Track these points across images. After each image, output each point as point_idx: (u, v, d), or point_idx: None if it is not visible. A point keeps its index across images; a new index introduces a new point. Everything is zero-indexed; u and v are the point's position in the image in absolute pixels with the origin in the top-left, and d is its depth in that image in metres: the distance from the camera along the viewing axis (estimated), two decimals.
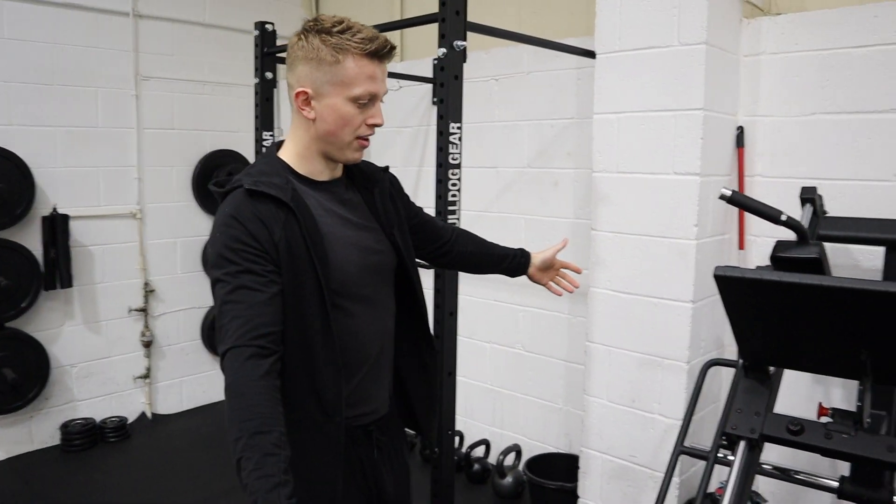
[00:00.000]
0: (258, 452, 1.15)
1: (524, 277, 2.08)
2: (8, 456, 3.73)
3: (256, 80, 2.84)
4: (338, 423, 1.43)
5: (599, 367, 2.79)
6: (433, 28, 2.21)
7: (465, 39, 2.19)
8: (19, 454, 3.77)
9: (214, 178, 4.41)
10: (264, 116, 2.89)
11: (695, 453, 2.14)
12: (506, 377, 3.65)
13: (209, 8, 4.29)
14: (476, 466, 3.55)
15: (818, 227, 2.25)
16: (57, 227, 3.69)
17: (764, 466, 2.05)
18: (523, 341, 3.54)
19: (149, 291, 4.22)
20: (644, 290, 2.63)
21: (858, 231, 2.14)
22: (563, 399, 3.40)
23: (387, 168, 1.68)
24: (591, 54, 2.70)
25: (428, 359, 1.71)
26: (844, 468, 1.98)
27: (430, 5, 2.17)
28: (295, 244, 1.36)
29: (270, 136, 2.94)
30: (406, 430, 1.78)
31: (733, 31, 2.56)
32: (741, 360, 1.90)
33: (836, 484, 1.97)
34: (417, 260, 1.74)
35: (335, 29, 1.38)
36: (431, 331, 1.74)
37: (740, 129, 2.63)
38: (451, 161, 2.24)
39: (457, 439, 3.69)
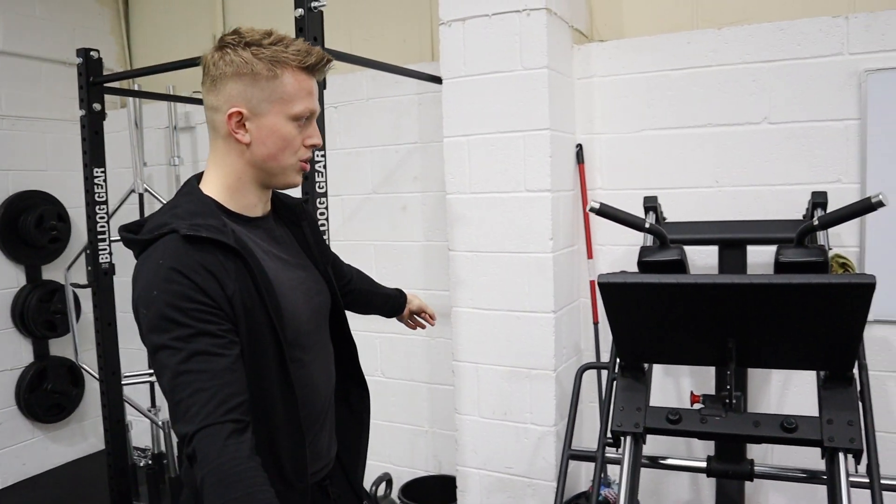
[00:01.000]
0: None
1: None
2: None
3: (83, 113, 2.58)
4: (302, 491, 1.31)
5: (469, 384, 2.83)
6: None
7: None
8: None
9: (21, 222, 4.02)
10: (94, 152, 2.63)
11: (582, 455, 2.24)
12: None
13: (1, 34, 3.84)
14: None
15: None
16: None
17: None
18: (383, 368, 3.51)
19: None
20: (506, 304, 2.72)
21: (696, 233, 2.37)
22: (429, 421, 3.41)
23: (306, 200, 1.56)
24: (437, 80, 2.77)
25: (355, 402, 1.61)
26: (700, 450, 2.17)
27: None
28: (248, 297, 1.22)
29: (102, 171, 2.68)
30: None
31: (567, 56, 2.76)
32: (619, 361, 2.03)
33: (703, 464, 2.16)
34: None
35: (266, 41, 1.25)
36: (363, 372, 1.64)
37: (579, 147, 2.82)
38: (318, 190, 2.18)
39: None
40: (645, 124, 2.74)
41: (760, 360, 1.92)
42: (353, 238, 3.49)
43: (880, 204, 1.65)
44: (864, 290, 1.56)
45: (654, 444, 2.56)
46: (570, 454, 2.21)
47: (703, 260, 2.65)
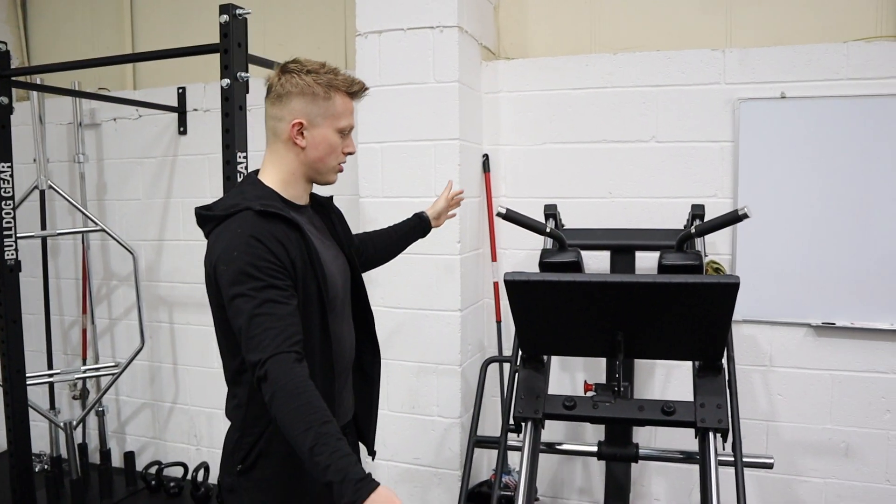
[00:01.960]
0: (332, 438, 1.31)
1: None
2: None
3: None
4: None
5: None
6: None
7: (247, 71, 2.24)
8: None
9: None
10: (1, 146, 2.58)
11: (486, 442, 2.41)
12: None
13: None
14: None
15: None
16: None
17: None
18: None
19: None
20: (416, 304, 2.87)
21: (591, 239, 2.60)
22: None
23: (332, 198, 1.86)
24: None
25: (368, 366, 1.91)
26: (591, 437, 2.38)
27: (162, 40, 2.16)
28: (303, 263, 1.53)
29: (8, 167, 2.62)
30: None
31: (476, 71, 2.94)
32: (520, 353, 2.22)
33: (594, 449, 2.38)
34: None
35: (322, 70, 1.59)
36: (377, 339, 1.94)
37: (486, 157, 3.01)
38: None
39: None
40: (547, 138, 2.96)
41: (645, 352, 2.15)
42: None
43: (745, 216, 1.91)
44: (730, 289, 1.81)
45: (551, 432, 2.77)
46: (475, 440, 2.38)
47: (597, 263, 2.89)
